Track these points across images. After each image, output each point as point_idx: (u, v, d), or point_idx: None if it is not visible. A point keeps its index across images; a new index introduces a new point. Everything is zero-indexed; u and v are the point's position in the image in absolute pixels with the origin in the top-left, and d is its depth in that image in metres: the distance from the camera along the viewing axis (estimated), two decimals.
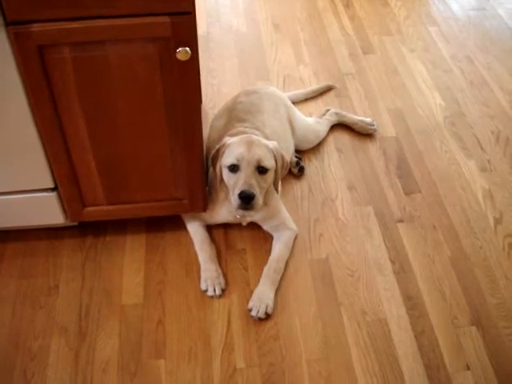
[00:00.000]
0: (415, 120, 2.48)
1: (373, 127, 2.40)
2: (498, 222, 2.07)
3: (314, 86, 2.63)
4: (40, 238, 1.99)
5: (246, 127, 2.01)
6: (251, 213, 1.85)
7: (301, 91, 2.58)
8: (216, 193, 1.92)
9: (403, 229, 2.05)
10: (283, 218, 1.98)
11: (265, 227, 1.99)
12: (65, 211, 1.85)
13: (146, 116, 1.60)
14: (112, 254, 1.97)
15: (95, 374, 1.66)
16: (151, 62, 1.48)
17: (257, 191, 1.74)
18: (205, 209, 1.92)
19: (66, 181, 1.74)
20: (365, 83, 2.66)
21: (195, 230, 1.98)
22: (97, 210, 1.86)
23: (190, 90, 1.55)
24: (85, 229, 2.00)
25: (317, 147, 2.35)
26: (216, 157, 1.84)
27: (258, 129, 2.03)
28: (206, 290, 1.84)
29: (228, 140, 1.83)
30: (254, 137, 1.84)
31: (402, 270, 1.92)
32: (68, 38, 1.42)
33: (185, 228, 2.01)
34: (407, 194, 2.17)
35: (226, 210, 1.93)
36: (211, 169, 1.94)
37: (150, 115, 1.60)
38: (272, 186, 1.88)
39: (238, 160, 1.76)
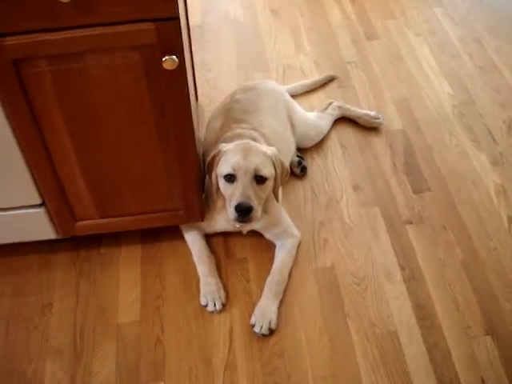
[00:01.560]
0: (422, 111, 2.35)
1: (378, 120, 2.28)
2: (511, 220, 1.96)
3: (316, 76, 2.50)
4: (33, 253, 1.90)
5: (244, 128, 1.90)
6: (250, 224, 1.75)
7: (301, 83, 2.45)
8: (213, 201, 1.82)
9: (412, 231, 1.95)
10: (285, 225, 1.88)
11: (266, 235, 1.89)
12: (55, 226, 1.75)
13: (134, 128, 1.50)
14: (107, 267, 1.88)
15: None
16: (136, 71, 1.37)
17: (255, 203, 1.64)
18: (202, 218, 1.82)
19: (54, 197, 1.65)
20: (369, 71, 2.53)
21: (193, 240, 1.88)
22: (89, 224, 1.76)
23: (180, 100, 1.44)
24: (78, 241, 1.91)
25: (319, 144, 2.23)
26: (211, 164, 1.73)
27: (256, 129, 1.92)
28: (206, 305, 1.76)
29: (224, 147, 1.72)
30: (252, 143, 1.73)
31: (412, 277, 1.83)
32: (45, 51, 1.30)
33: (182, 237, 1.91)
34: (416, 192, 2.06)
35: (224, 219, 1.83)
36: (208, 175, 1.83)
37: (138, 127, 1.50)
38: (272, 193, 1.78)
39: (235, 169, 1.65)
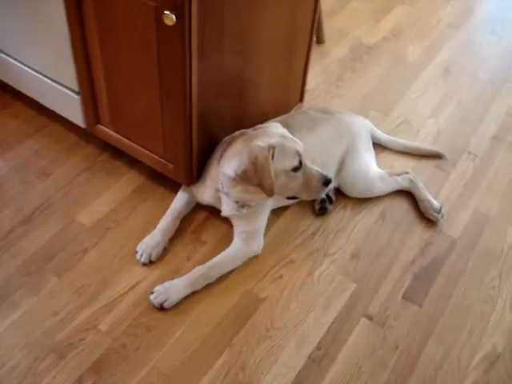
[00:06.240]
0: (493, 238, 2.02)
1: (436, 215, 2.02)
2: None
3: (424, 145, 2.30)
4: (75, 133, 2.19)
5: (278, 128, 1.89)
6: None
7: (405, 143, 2.26)
8: (205, 175, 1.86)
9: (363, 327, 1.75)
10: (253, 230, 1.84)
11: (234, 228, 1.86)
12: (84, 118, 1.99)
13: (142, 64, 1.62)
14: (109, 175, 2.07)
15: (6, 254, 1.82)
16: (148, 13, 1.47)
17: None
18: (188, 183, 1.89)
19: (85, 90, 1.87)
20: (479, 172, 2.23)
21: (178, 198, 1.95)
22: (105, 132, 1.97)
23: (176, 58, 1.51)
24: (107, 146, 2.12)
25: (363, 201, 2.08)
26: (262, 166, 1.59)
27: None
28: (137, 253, 1.84)
29: (265, 143, 1.63)
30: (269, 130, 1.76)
31: (319, 361, 1.66)
32: None
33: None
34: (405, 298, 1.83)
35: (209, 191, 1.85)
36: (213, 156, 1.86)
37: (145, 64, 1.61)
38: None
39: (300, 155, 1.67)
